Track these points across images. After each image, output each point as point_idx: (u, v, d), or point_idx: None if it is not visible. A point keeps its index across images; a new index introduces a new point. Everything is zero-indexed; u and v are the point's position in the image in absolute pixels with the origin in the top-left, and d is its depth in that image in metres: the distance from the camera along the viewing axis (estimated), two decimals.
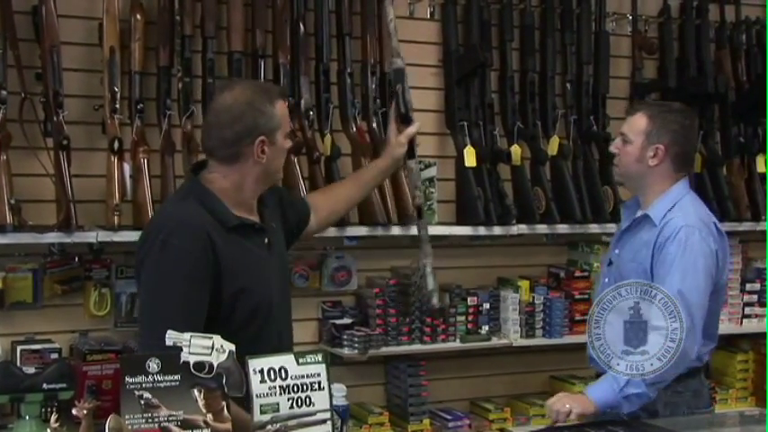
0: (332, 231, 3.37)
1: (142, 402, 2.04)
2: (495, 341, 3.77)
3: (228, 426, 2.07)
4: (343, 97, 3.50)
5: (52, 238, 3.10)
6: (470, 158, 3.65)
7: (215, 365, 2.07)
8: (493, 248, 3.89)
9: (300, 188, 3.32)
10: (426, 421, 3.68)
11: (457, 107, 3.69)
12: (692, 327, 2.65)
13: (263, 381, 2.10)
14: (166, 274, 2.34)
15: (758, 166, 4.13)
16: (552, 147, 3.84)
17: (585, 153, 3.92)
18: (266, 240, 2.52)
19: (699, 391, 2.89)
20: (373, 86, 3.55)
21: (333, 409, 2.22)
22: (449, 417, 3.74)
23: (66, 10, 3.19)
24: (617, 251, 2.99)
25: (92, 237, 3.13)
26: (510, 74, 3.84)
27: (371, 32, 3.56)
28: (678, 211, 2.83)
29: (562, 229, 3.82)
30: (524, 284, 3.85)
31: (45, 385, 2.87)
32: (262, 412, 2.10)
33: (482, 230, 3.65)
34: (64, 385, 2.90)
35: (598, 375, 2.86)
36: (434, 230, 3.57)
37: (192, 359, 2.06)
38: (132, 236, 3.17)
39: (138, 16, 3.23)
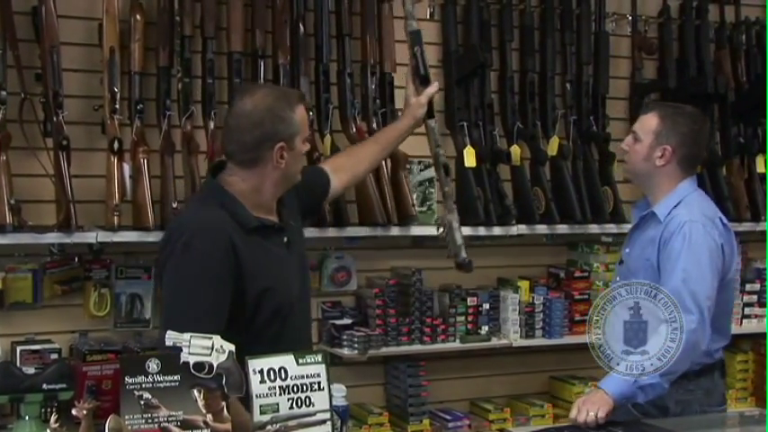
0: (332, 231, 3.37)
1: (142, 403, 2.04)
2: (494, 341, 3.77)
3: (228, 426, 2.07)
4: (343, 98, 3.51)
5: (52, 238, 3.10)
6: (470, 159, 3.65)
7: (215, 366, 2.07)
8: (493, 249, 3.88)
9: None
10: (426, 421, 3.68)
11: (456, 107, 3.69)
12: (702, 318, 2.67)
13: (262, 381, 2.11)
14: (188, 276, 2.36)
15: (758, 166, 4.13)
16: (552, 147, 3.85)
17: (585, 153, 3.92)
18: (285, 240, 2.54)
19: (711, 390, 2.92)
20: (373, 87, 3.55)
21: (332, 409, 2.22)
22: (448, 417, 3.74)
23: (65, 10, 3.19)
24: (627, 250, 3.04)
25: (91, 237, 3.14)
26: (510, 74, 3.84)
27: (371, 33, 3.56)
28: (683, 208, 2.87)
29: (562, 229, 3.82)
30: (524, 285, 3.85)
31: (45, 385, 2.87)
32: (261, 412, 2.10)
33: (482, 231, 3.65)
34: (64, 385, 2.90)
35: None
36: (434, 231, 3.57)
37: (192, 359, 2.07)
38: (132, 236, 3.19)
39: (138, 17, 3.23)
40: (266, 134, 2.42)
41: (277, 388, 2.12)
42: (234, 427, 2.07)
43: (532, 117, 3.84)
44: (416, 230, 3.57)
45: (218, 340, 2.09)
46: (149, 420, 2.04)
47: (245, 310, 2.40)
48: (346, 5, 3.52)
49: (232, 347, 2.10)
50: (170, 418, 2.05)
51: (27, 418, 2.89)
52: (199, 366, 2.07)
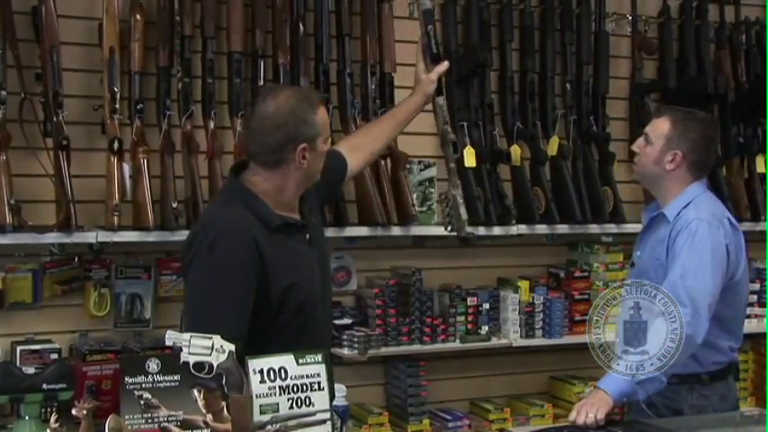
0: (332, 231, 3.37)
1: (142, 403, 2.04)
2: (494, 341, 3.76)
3: (228, 426, 2.07)
4: (343, 97, 3.51)
5: (52, 238, 3.10)
6: (470, 159, 3.65)
7: (215, 366, 2.07)
8: (493, 249, 3.89)
9: None
10: (426, 421, 3.68)
11: (457, 107, 3.68)
12: (696, 313, 2.67)
13: (262, 381, 2.10)
14: (213, 276, 2.38)
15: (758, 166, 4.13)
16: (552, 147, 3.85)
17: (585, 153, 3.92)
18: (308, 237, 2.57)
19: (725, 395, 2.95)
20: (373, 87, 3.55)
21: (332, 409, 2.22)
22: (448, 417, 3.74)
23: (65, 10, 3.19)
24: (638, 252, 3.06)
25: (91, 237, 3.14)
26: (510, 74, 3.84)
27: (371, 33, 3.56)
28: (692, 208, 2.90)
29: (562, 229, 3.82)
30: (524, 285, 3.85)
31: (45, 385, 2.88)
32: (261, 412, 2.09)
33: (482, 231, 3.65)
34: (63, 385, 2.90)
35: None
36: (434, 231, 3.58)
37: (192, 359, 2.06)
38: (132, 236, 3.19)
39: (138, 16, 3.23)
40: (289, 136, 2.44)
41: (277, 388, 2.11)
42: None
43: (532, 117, 3.84)
44: (416, 230, 3.57)
45: (217, 340, 2.09)
46: (149, 420, 2.04)
47: (269, 307, 2.43)
48: (346, 5, 3.52)
49: (232, 347, 2.10)
50: (170, 418, 2.05)
51: (27, 417, 2.89)
52: (199, 366, 2.07)
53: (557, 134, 3.87)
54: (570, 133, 3.90)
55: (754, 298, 4.17)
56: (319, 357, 2.18)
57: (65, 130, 3.09)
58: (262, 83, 3.37)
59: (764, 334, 3.99)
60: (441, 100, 3.16)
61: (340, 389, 2.45)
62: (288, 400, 2.11)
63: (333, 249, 3.63)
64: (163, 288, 3.42)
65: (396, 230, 3.52)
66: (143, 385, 2.04)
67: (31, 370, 3.00)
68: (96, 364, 3.13)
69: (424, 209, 3.63)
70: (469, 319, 3.74)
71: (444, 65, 3.10)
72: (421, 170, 3.64)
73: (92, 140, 3.27)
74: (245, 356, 2.11)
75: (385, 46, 3.57)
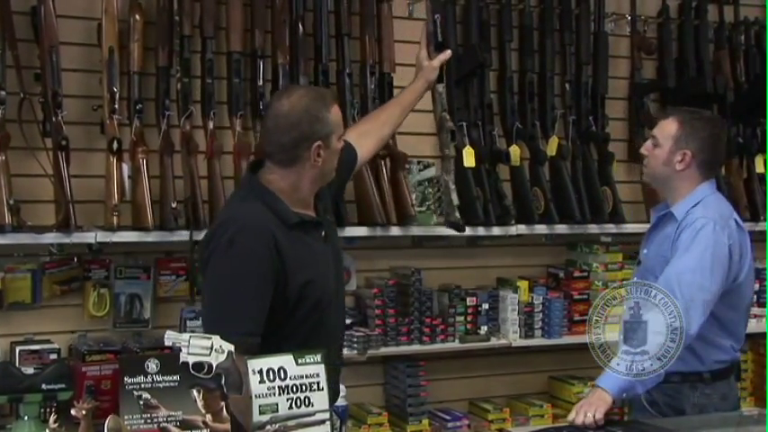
0: None
1: (141, 403, 2.04)
2: (494, 341, 3.76)
3: (227, 426, 2.07)
4: (343, 97, 3.50)
5: (51, 238, 3.10)
6: (469, 159, 3.64)
7: (214, 366, 2.07)
8: (492, 249, 3.89)
9: None
10: (425, 421, 3.68)
11: (456, 107, 3.68)
12: (688, 305, 2.68)
13: (261, 381, 2.10)
14: (231, 272, 2.40)
15: (757, 166, 4.13)
16: (551, 147, 3.84)
17: (584, 153, 3.92)
18: (323, 234, 2.60)
19: (727, 395, 2.95)
20: (372, 87, 3.55)
21: (332, 409, 2.22)
22: (448, 417, 3.74)
23: (64, 10, 3.19)
24: (645, 251, 3.07)
25: (91, 237, 3.13)
26: (509, 74, 3.84)
27: (370, 33, 3.56)
28: (700, 208, 2.91)
29: (561, 229, 3.82)
30: (523, 285, 3.85)
31: (44, 386, 2.88)
32: (261, 413, 2.09)
33: (481, 231, 3.65)
34: (63, 386, 2.90)
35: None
36: (433, 231, 3.58)
37: (191, 360, 2.06)
38: (131, 236, 3.18)
39: (137, 16, 3.23)
40: (304, 134, 2.47)
41: (276, 388, 2.11)
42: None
43: (531, 117, 3.84)
44: (416, 230, 3.57)
45: (216, 340, 2.09)
46: (148, 420, 2.04)
47: (286, 303, 2.45)
48: (345, 5, 3.52)
49: (231, 347, 2.10)
50: (169, 418, 2.05)
51: (26, 418, 2.89)
52: (198, 366, 2.07)
53: (556, 134, 3.87)
54: (569, 133, 3.90)
55: (754, 298, 4.16)
56: (318, 357, 2.18)
57: (64, 130, 3.09)
58: (261, 83, 3.37)
59: (763, 334, 3.99)
60: (440, 87, 3.27)
61: (339, 389, 2.45)
62: (287, 400, 2.11)
63: None
64: (162, 288, 3.42)
65: (395, 230, 3.52)
66: (142, 385, 2.04)
67: (30, 370, 3.00)
68: (95, 365, 3.13)
69: (424, 209, 3.62)
70: (469, 319, 3.74)
71: (447, 53, 3.22)
72: (420, 170, 3.64)
73: (91, 141, 3.27)
74: (247, 359, 2.12)
75: (384, 46, 3.56)
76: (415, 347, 3.65)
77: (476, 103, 3.72)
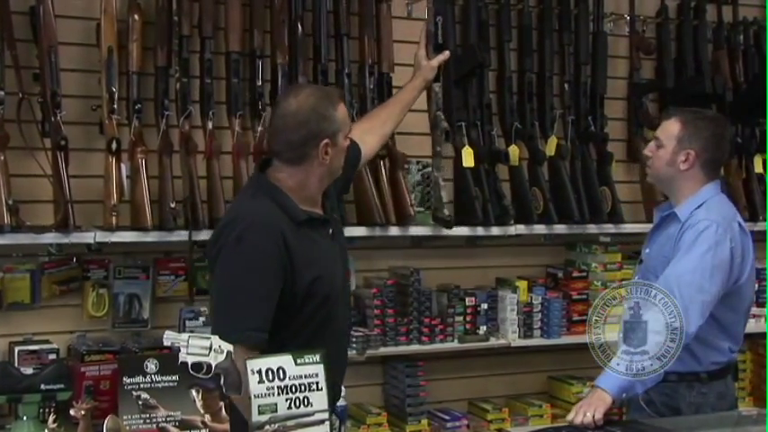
0: None
1: (140, 403, 2.04)
2: (493, 341, 3.76)
3: (226, 426, 2.06)
4: None
5: (50, 238, 3.10)
6: (468, 159, 3.65)
7: (213, 366, 2.07)
8: (491, 249, 3.89)
9: None
10: (424, 422, 3.68)
11: (455, 107, 3.68)
12: (687, 306, 2.68)
13: (261, 381, 2.10)
14: (240, 268, 2.42)
15: (756, 166, 4.13)
16: (550, 147, 3.84)
17: (583, 153, 3.92)
18: (330, 232, 2.62)
19: (723, 394, 2.96)
20: (371, 87, 3.55)
21: (335, 407, 2.21)
22: (447, 417, 3.74)
23: (63, 10, 3.19)
24: (647, 250, 3.07)
25: (89, 237, 3.13)
26: (508, 74, 3.84)
27: (369, 33, 3.55)
28: (704, 209, 2.90)
29: (560, 229, 3.82)
30: (522, 285, 3.85)
31: (43, 386, 2.87)
32: (260, 413, 2.09)
33: (480, 231, 3.65)
34: (62, 386, 2.90)
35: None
36: (432, 231, 3.58)
37: (190, 360, 2.06)
38: (130, 236, 3.18)
39: (136, 16, 3.23)
40: (312, 132, 2.49)
41: (275, 388, 2.11)
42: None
43: (530, 117, 3.84)
44: (415, 230, 3.57)
45: (215, 340, 2.09)
46: (147, 420, 2.04)
47: (294, 300, 2.46)
48: (344, 5, 3.52)
49: (230, 347, 2.10)
50: (168, 418, 2.05)
51: (25, 418, 2.89)
52: (197, 367, 2.06)
53: (555, 134, 3.87)
54: (568, 133, 3.90)
55: (753, 296, 4.16)
56: (317, 357, 2.18)
57: (63, 130, 3.09)
58: (260, 83, 3.37)
59: (762, 334, 3.99)
60: (437, 87, 3.37)
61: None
62: (286, 400, 2.11)
63: None
64: (161, 288, 3.42)
65: (394, 230, 3.52)
66: (141, 385, 2.05)
67: (29, 370, 3.00)
68: (94, 365, 3.12)
69: (423, 209, 3.62)
70: (468, 319, 3.74)
71: (446, 54, 3.32)
72: (419, 170, 3.64)
73: (90, 141, 3.26)
74: (246, 360, 2.12)
75: (383, 46, 3.56)
76: (414, 347, 3.65)
77: (475, 102, 3.72)
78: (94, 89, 3.20)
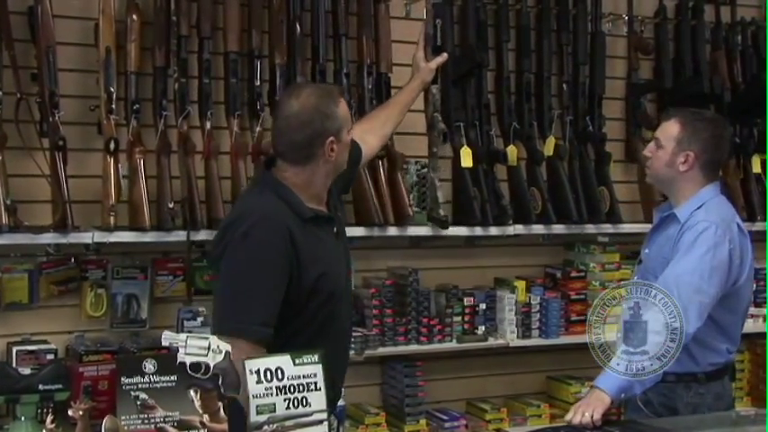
0: None
1: (138, 403, 2.04)
2: (491, 341, 3.76)
3: (225, 426, 2.06)
4: None
5: (48, 238, 3.10)
6: (467, 159, 3.65)
7: (211, 366, 2.07)
8: (489, 249, 3.89)
9: None
10: (423, 422, 3.68)
11: (453, 107, 3.69)
12: (685, 307, 2.68)
13: (259, 381, 2.10)
14: (247, 263, 2.42)
15: (754, 166, 4.13)
16: (548, 147, 3.84)
17: (582, 153, 3.92)
18: (335, 230, 2.63)
19: (721, 395, 2.96)
20: (369, 87, 3.55)
21: (336, 406, 2.21)
22: (445, 417, 3.74)
23: (61, 10, 3.19)
24: (647, 250, 3.07)
25: (88, 237, 3.13)
26: (506, 74, 3.84)
27: (368, 33, 3.55)
28: (703, 211, 2.91)
29: (558, 229, 3.82)
30: (521, 285, 3.85)
31: (41, 386, 2.88)
32: (258, 413, 2.09)
33: (479, 231, 3.65)
34: (60, 386, 2.90)
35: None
36: (430, 231, 3.58)
37: (189, 360, 2.06)
38: (128, 236, 3.18)
39: (135, 16, 3.23)
40: (316, 132, 2.50)
41: (274, 388, 2.11)
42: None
43: (529, 117, 3.84)
44: (413, 230, 3.57)
45: (214, 340, 2.09)
46: (145, 421, 2.04)
47: (300, 296, 2.46)
48: (343, 6, 3.52)
49: (228, 347, 2.10)
50: (166, 419, 2.05)
51: (23, 418, 2.89)
52: (195, 367, 2.06)
53: (553, 134, 3.87)
54: (567, 133, 3.90)
55: (751, 297, 4.16)
56: (316, 357, 2.18)
57: (61, 130, 3.09)
58: (258, 83, 3.37)
59: (761, 334, 3.99)
60: (434, 88, 3.41)
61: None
62: (284, 400, 2.11)
63: None
64: (159, 288, 3.42)
65: (392, 231, 3.52)
66: (139, 386, 2.04)
67: (27, 371, 3.00)
68: (93, 365, 3.12)
69: (420, 209, 3.63)
70: (466, 319, 3.74)
71: (444, 56, 3.36)
72: (418, 170, 3.64)
73: (88, 141, 3.26)
74: (245, 360, 2.12)
75: (381, 46, 3.56)
76: (413, 347, 3.65)
77: (473, 103, 3.73)
78: (93, 89, 3.20)
